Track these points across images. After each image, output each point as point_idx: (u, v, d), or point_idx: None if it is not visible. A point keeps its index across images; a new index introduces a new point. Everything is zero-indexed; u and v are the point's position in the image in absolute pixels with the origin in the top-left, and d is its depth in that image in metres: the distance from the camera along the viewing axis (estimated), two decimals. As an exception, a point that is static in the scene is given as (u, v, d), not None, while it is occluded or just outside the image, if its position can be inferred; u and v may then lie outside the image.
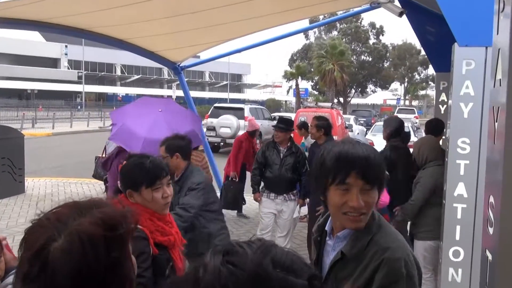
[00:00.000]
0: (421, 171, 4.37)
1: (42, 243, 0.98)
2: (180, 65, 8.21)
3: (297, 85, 48.07)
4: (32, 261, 0.97)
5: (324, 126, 5.70)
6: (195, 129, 5.09)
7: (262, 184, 5.64)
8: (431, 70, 66.73)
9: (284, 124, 5.49)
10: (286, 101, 67.20)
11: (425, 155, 4.36)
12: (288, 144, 5.52)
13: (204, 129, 16.59)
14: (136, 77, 63.74)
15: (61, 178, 11.17)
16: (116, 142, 4.64)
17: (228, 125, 17.48)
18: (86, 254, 0.97)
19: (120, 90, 61.19)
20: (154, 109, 4.99)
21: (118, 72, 65.07)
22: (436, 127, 4.94)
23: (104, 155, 5.89)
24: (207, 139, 13.34)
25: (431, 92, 76.18)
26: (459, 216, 3.09)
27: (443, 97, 5.78)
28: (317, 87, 56.98)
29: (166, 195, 2.24)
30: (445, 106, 5.67)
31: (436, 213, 4.23)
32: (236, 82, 76.67)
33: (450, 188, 3.09)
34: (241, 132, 17.48)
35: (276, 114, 23.78)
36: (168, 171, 2.30)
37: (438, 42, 5.32)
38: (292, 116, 21.69)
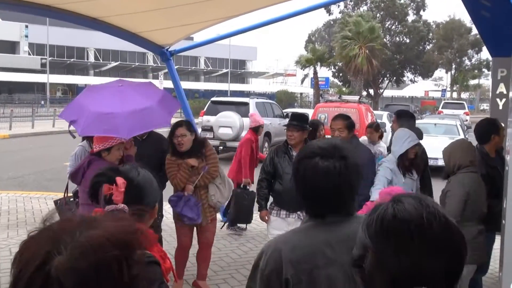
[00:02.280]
0: (449, 179, 4.58)
1: (43, 257, 1.02)
2: (169, 50, 8.24)
3: (315, 73, 48.08)
4: (30, 279, 1.01)
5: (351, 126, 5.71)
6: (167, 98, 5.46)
7: (271, 199, 5.63)
8: (485, 54, 66.55)
9: (299, 121, 5.48)
10: (301, 94, 67.29)
11: (457, 161, 4.57)
12: None
13: (199, 130, 16.67)
14: (113, 64, 64.09)
15: (20, 191, 11.21)
16: (92, 133, 4.78)
17: (229, 124, 17.51)
18: (97, 270, 1.02)
19: (93, 81, 61.46)
20: (112, 88, 5.25)
21: (91, 59, 65.45)
22: (482, 133, 5.08)
23: (66, 195, 5.85)
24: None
25: (486, 81, 75.87)
26: (523, 241, 3.07)
27: (501, 88, 5.75)
28: (341, 75, 57.00)
29: None
30: (504, 100, 5.64)
31: (468, 232, 4.30)
32: (238, 70, 76.91)
33: (511, 205, 3.06)
34: (245, 133, 17.54)
35: (289, 110, 23.76)
36: None
37: (495, 19, 5.28)
38: (309, 112, 21.71)
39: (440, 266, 1.18)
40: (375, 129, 8.06)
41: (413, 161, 5.00)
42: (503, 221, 3.19)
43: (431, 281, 1.17)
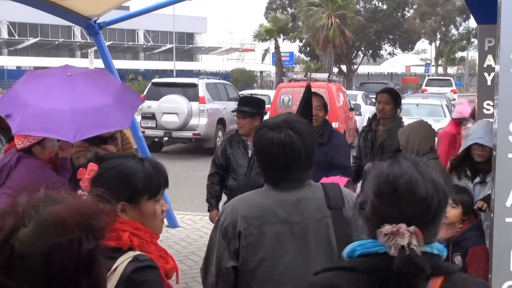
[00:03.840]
0: None
1: (9, 230, 1.29)
2: (98, 22, 8.12)
3: (277, 47, 48.08)
4: None
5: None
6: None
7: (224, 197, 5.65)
8: (474, 22, 67.73)
9: (250, 107, 5.48)
10: (262, 72, 67.33)
11: (416, 146, 4.67)
12: None
13: (138, 118, 16.46)
14: (32, 40, 62.73)
15: None
16: (30, 132, 4.72)
17: (174, 110, 17.38)
18: (59, 240, 1.27)
19: (7, 61, 60.14)
20: (59, 77, 5.10)
21: (4, 34, 63.91)
22: None
23: None
24: (143, 132, 13.23)
25: (476, 53, 77.11)
26: (514, 236, 3.15)
27: (489, 60, 5.80)
28: (308, 49, 57.23)
29: (165, 208, 2.49)
30: (492, 74, 5.72)
31: None
32: (185, 46, 76.36)
33: (499, 195, 3.13)
34: (195, 121, 17.44)
35: (247, 92, 23.75)
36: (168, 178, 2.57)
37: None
38: (271, 93, 21.70)
39: (419, 214, 1.78)
40: None
41: (475, 163, 4.67)
42: (492, 214, 3.28)
43: (410, 222, 1.74)
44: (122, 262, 2.17)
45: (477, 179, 4.67)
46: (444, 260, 3.78)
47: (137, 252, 2.22)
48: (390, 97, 6.12)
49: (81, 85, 5.00)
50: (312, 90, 5.93)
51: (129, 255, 2.19)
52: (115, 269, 2.15)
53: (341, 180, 4.52)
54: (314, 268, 2.21)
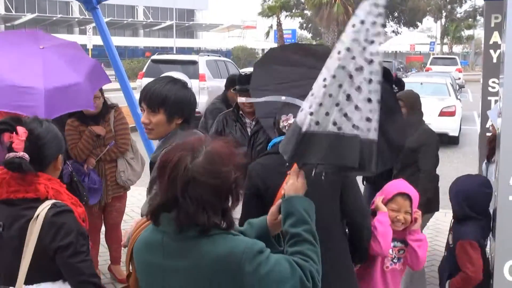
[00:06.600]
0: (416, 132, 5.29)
1: (190, 158, 2.08)
2: (96, -4, 8.07)
3: (279, 24, 47.93)
4: (180, 171, 2.06)
5: None
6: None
7: None
8: (480, -1, 67.32)
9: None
10: (263, 50, 67.12)
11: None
12: None
13: (137, 95, 16.34)
14: (29, 16, 62.55)
15: None
16: (5, 108, 4.68)
17: (174, 88, 17.33)
18: (222, 168, 2.08)
19: (5, 38, 59.94)
20: (31, 49, 5.03)
21: (1, 10, 63.69)
22: None
23: None
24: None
25: (482, 31, 76.32)
26: (518, 215, 3.16)
27: (495, 37, 5.80)
28: (310, 26, 57.00)
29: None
30: (498, 51, 5.72)
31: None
32: (186, 22, 76.11)
33: (503, 172, 3.13)
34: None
35: (248, 70, 23.64)
36: None
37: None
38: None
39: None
40: None
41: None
42: (495, 193, 3.29)
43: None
44: (43, 209, 2.66)
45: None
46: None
47: (54, 200, 2.71)
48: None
49: (53, 60, 5.00)
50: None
51: (48, 203, 2.68)
52: (37, 216, 2.64)
53: None
54: None
